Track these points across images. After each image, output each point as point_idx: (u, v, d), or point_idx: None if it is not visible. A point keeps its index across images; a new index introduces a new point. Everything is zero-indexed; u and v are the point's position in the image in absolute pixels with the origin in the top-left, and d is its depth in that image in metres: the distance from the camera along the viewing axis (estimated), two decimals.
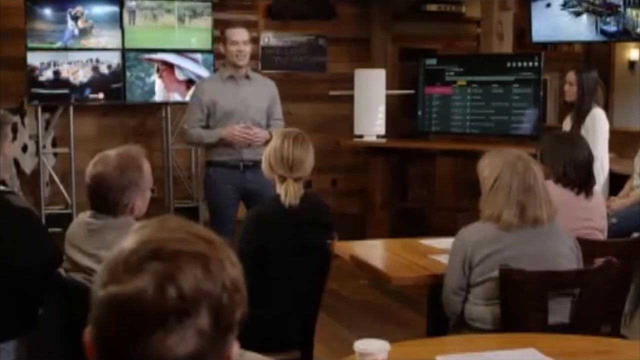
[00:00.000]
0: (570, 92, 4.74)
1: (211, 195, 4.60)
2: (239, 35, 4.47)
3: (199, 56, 6.59)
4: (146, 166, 2.45)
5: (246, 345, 1.00)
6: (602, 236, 3.20)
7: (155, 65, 6.42)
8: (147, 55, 6.37)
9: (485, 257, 2.51)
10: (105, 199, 2.35)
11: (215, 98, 4.43)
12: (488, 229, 2.55)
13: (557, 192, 2.89)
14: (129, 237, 0.93)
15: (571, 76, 4.76)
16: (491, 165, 2.60)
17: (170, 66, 6.47)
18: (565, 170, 3.08)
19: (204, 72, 6.56)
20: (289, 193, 2.90)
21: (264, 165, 3.00)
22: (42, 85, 6.03)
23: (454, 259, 2.62)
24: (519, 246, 2.51)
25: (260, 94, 4.55)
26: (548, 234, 2.56)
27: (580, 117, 4.66)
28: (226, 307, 0.89)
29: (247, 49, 4.47)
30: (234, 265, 0.93)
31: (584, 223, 3.10)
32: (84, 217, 2.44)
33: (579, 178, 3.12)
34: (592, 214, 3.18)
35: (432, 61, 6.49)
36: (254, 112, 4.47)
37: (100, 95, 6.26)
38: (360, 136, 6.52)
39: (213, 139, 4.42)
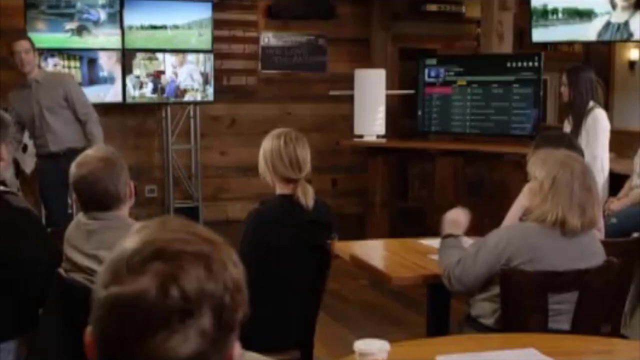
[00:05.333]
0: (564, 93, 4.74)
1: None
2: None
3: (199, 56, 6.60)
4: None
5: (246, 345, 1.00)
6: (600, 235, 3.20)
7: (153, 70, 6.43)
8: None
9: (523, 263, 2.44)
10: (105, 195, 2.36)
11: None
12: (537, 234, 2.46)
13: None
14: (131, 237, 0.93)
15: (563, 76, 4.76)
16: (546, 166, 2.49)
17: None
18: None
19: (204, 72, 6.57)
20: (308, 195, 2.89)
21: (263, 168, 2.95)
22: None
23: (490, 248, 2.51)
24: (555, 261, 2.45)
25: None
26: (587, 245, 2.50)
27: (577, 116, 4.65)
28: (228, 308, 0.89)
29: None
30: (236, 266, 0.94)
31: None
32: (81, 219, 2.44)
33: None
34: None
35: (432, 61, 6.49)
36: None
37: (100, 95, 6.27)
38: (360, 136, 6.52)
39: None
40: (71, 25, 6.13)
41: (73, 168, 2.41)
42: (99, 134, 5.06)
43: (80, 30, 6.18)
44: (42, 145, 5.09)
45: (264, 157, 2.94)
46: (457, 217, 2.81)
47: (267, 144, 2.93)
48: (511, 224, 2.58)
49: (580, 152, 3.22)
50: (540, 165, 2.52)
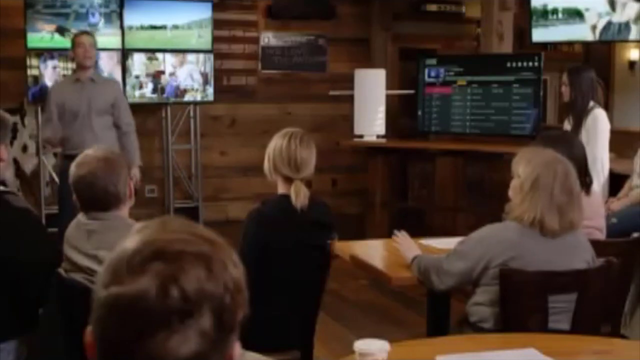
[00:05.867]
0: (565, 93, 4.74)
1: None
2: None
3: (199, 56, 6.60)
4: None
5: (246, 345, 1.00)
6: (601, 235, 3.20)
7: (153, 70, 6.43)
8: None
9: (507, 261, 2.45)
10: (104, 195, 2.36)
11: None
12: (516, 233, 2.47)
13: None
14: (131, 237, 0.93)
15: (564, 76, 4.76)
16: (530, 165, 2.48)
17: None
18: None
19: (204, 72, 6.56)
20: (300, 195, 2.88)
21: (266, 166, 2.97)
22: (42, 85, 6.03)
23: (473, 248, 2.52)
24: (538, 255, 2.45)
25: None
26: (570, 244, 2.50)
27: (578, 116, 4.65)
28: (228, 308, 0.90)
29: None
30: (236, 266, 0.94)
31: (583, 222, 3.08)
32: (81, 219, 2.44)
33: None
34: (591, 213, 3.17)
35: (432, 61, 6.48)
36: None
37: None
38: (360, 136, 6.52)
39: None
40: (50, 27, 6.08)
41: (73, 168, 2.41)
42: (137, 144, 5.19)
43: (61, 31, 6.13)
44: (76, 145, 4.84)
45: (268, 155, 2.97)
46: (408, 243, 2.97)
47: (273, 143, 2.97)
48: (493, 224, 2.60)
49: (582, 151, 3.21)
50: (524, 164, 2.52)
